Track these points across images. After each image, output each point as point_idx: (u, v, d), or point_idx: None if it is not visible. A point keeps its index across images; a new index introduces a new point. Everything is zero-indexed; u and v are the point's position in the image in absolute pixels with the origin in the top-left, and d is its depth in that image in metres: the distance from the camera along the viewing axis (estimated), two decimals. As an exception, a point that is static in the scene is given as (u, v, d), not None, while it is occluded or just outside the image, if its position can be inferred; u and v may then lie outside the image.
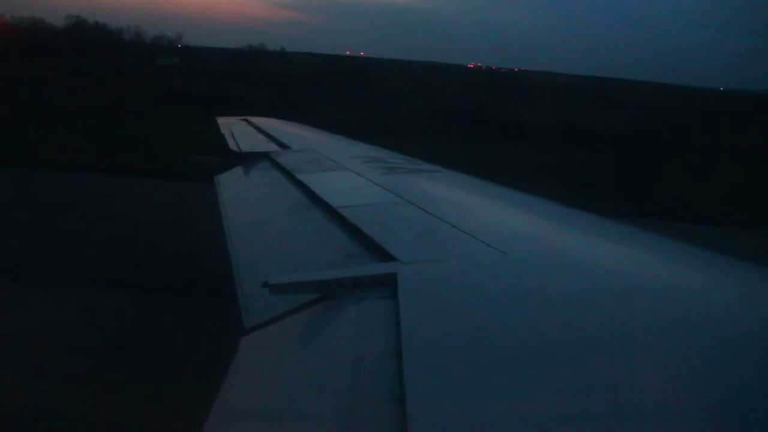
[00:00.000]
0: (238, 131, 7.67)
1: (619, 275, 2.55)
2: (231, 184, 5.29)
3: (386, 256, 2.70)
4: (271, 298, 2.37)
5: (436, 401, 1.52)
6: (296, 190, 4.50)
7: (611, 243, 3.25)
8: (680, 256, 2.98)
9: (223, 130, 7.74)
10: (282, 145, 6.67)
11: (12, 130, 22.85)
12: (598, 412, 1.47)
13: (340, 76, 68.19)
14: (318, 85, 57.78)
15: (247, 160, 6.04)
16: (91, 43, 71.41)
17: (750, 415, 1.49)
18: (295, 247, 3.44)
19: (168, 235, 13.06)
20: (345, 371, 1.77)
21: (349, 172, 4.93)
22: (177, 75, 59.30)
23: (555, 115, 47.24)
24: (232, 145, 6.73)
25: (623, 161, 29.58)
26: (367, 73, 74.62)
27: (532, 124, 41.24)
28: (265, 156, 6.03)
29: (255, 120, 8.70)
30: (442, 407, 1.49)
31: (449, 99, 52.78)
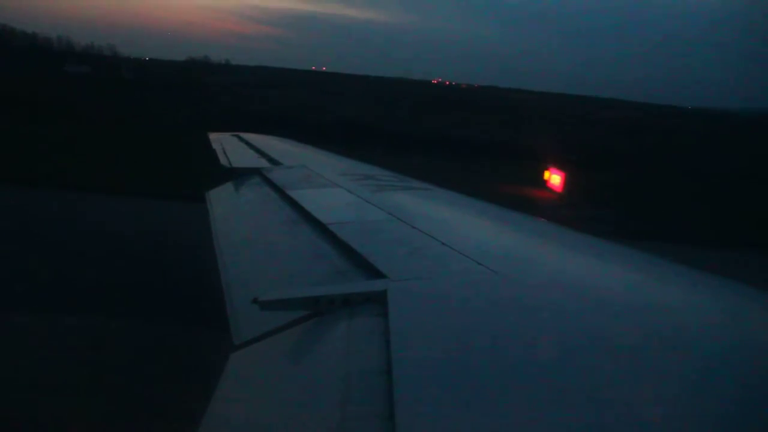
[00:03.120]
0: (230, 147, 7.68)
1: (609, 294, 2.56)
2: (222, 200, 5.26)
3: (376, 274, 2.68)
4: (261, 314, 2.36)
5: (426, 418, 1.52)
6: (287, 206, 4.47)
7: (601, 262, 3.28)
8: (669, 276, 3.02)
9: (214, 145, 7.73)
10: (273, 161, 6.64)
11: None
12: (585, 428, 1.48)
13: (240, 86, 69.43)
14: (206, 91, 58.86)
15: (239, 175, 6.02)
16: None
17: (738, 426, 1.54)
18: (286, 264, 3.44)
19: None
20: (335, 388, 1.76)
21: (340, 189, 4.92)
22: (74, 82, 60.35)
23: (429, 126, 47.73)
24: (223, 161, 6.64)
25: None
26: (280, 86, 75.62)
27: (372, 128, 41.80)
28: (256, 172, 5.98)
29: (246, 136, 8.83)
30: (431, 424, 1.49)
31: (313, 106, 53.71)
